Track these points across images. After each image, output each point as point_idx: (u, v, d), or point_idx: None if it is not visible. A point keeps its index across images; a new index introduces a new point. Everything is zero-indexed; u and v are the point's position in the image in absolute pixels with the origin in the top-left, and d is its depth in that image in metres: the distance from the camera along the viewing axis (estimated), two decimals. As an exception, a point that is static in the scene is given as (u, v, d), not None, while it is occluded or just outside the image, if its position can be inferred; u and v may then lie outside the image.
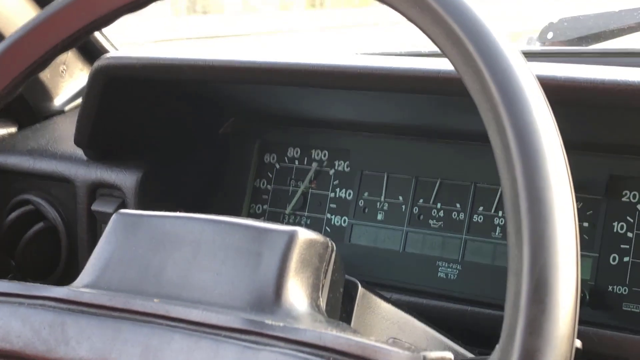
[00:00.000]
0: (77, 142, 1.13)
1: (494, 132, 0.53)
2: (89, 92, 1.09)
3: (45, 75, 1.34)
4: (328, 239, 0.69)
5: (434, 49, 1.32)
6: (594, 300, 0.96)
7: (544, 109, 0.53)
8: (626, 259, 0.97)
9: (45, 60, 0.76)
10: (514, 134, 0.52)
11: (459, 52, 0.56)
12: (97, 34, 1.36)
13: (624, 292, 0.96)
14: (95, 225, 1.15)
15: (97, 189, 1.14)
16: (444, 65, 0.91)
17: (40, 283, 1.17)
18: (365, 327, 0.74)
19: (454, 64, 0.57)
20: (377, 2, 0.61)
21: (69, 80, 1.38)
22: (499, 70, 0.54)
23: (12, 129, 1.32)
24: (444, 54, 0.58)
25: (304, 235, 0.67)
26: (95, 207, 1.13)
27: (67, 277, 1.18)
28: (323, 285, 0.68)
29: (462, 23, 0.56)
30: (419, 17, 0.58)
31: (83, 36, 0.76)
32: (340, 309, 0.72)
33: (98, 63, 1.07)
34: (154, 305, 0.65)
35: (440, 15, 0.57)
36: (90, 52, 1.38)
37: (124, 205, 1.11)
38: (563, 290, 0.49)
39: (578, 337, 0.58)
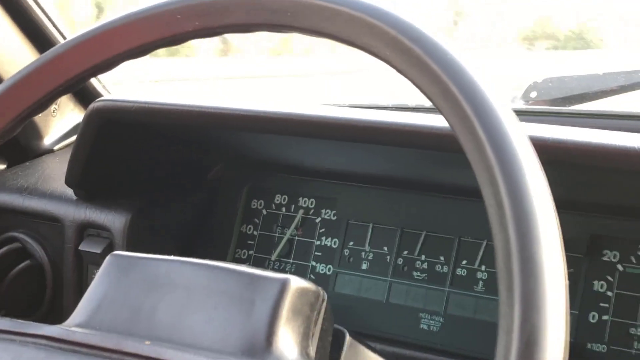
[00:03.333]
0: (68, 181, 1.14)
1: (487, 192, 0.55)
2: (83, 133, 1.10)
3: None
4: (320, 288, 0.70)
5: (419, 102, 1.34)
6: (573, 357, 0.98)
7: (537, 170, 0.55)
8: (605, 317, 0.99)
9: (47, 101, 0.77)
10: (507, 194, 0.54)
11: (455, 112, 0.58)
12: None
13: (602, 350, 0.98)
14: (82, 265, 1.15)
15: (85, 229, 1.15)
16: (434, 121, 0.93)
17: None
18: (352, 377, 0.75)
19: (450, 123, 0.59)
20: (375, 58, 0.63)
21: (59, 119, 1.39)
22: (494, 132, 0.56)
23: (1, 167, 1.33)
24: (439, 112, 0.60)
25: (296, 283, 0.68)
26: (83, 247, 1.14)
27: (51, 316, 1.18)
28: (313, 334, 0.69)
29: (459, 83, 0.58)
30: (417, 76, 0.60)
31: (85, 79, 0.77)
32: (328, 358, 0.73)
33: (94, 105, 1.09)
34: (146, 348, 0.65)
35: (437, 74, 0.59)
36: (82, 93, 1.39)
37: (111, 246, 1.12)
38: (552, 351, 0.50)
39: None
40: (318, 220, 1.17)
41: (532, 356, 0.50)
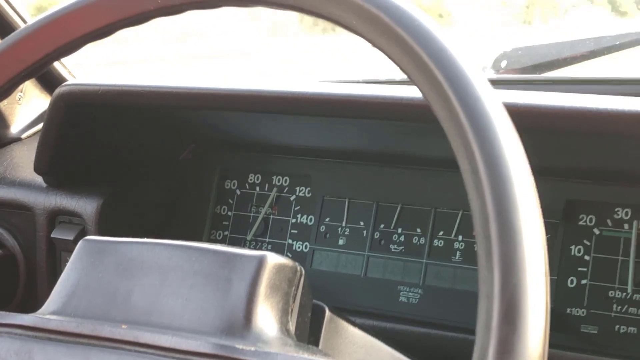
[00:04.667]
0: (37, 169, 1.12)
1: (462, 158, 0.54)
2: (50, 119, 1.08)
3: (1, 103, 1.32)
4: (297, 263, 0.70)
5: (391, 76, 1.33)
6: (553, 322, 0.97)
7: (512, 134, 0.55)
8: (584, 281, 0.99)
9: (8, 88, 0.76)
10: (482, 159, 0.53)
11: (428, 81, 0.57)
12: (54, 60, 1.35)
13: (582, 314, 0.98)
14: (55, 253, 1.14)
15: (56, 216, 1.13)
16: (406, 92, 0.93)
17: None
18: (333, 351, 0.75)
19: (422, 91, 0.58)
20: (345, 30, 0.62)
21: (25, 107, 1.37)
22: (467, 97, 0.55)
23: (-32, 157, 1.30)
24: (411, 80, 0.59)
25: (273, 259, 0.67)
26: (55, 234, 1.12)
27: (25, 305, 1.17)
28: (292, 310, 0.68)
29: (430, 52, 0.58)
30: (388, 46, 0.59)
31: (47, 63, 0.76)
32: (308, 333, 0.73)
33: (59, 90, 1.07)
34: (122, 332, 0.65)
35: (408, 44, 0.58)
36: (47, 79, 1.37)
37: (84, 232, 1.11)
38: (534, 311, 0.50)
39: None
40: (293, 197, 1.16)
41: (514, 319, 0.49)
